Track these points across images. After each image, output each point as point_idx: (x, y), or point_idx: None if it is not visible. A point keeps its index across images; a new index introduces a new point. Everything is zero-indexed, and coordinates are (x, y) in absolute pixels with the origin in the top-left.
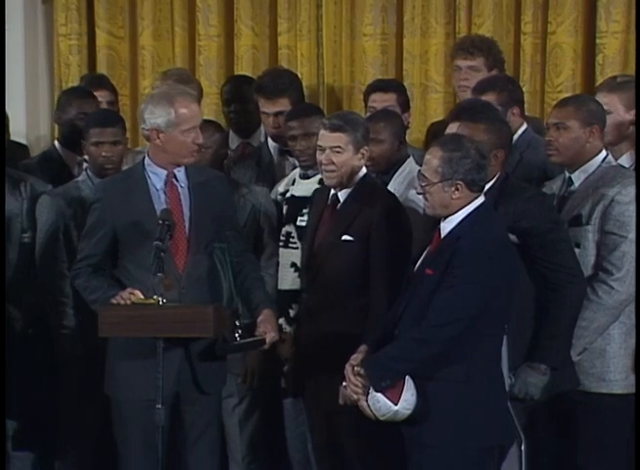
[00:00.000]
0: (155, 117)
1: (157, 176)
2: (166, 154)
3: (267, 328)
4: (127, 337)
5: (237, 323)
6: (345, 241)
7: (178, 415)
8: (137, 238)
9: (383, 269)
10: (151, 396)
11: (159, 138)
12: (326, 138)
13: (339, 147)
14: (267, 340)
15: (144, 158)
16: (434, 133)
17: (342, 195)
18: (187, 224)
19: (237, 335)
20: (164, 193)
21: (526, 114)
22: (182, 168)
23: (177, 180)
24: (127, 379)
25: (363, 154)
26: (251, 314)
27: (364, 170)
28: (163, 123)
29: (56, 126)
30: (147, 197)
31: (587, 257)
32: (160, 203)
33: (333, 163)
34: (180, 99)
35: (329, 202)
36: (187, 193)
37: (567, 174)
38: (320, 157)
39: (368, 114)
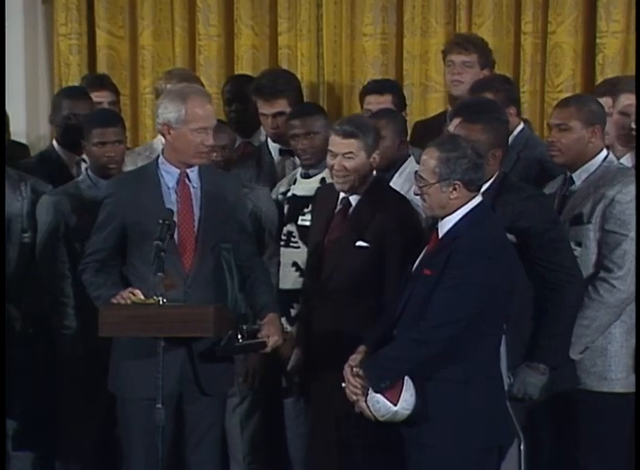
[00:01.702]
0: (167, 112)
1: (169, 175)
2: (176, 152)
3: (270, 331)
4: (127, 337)
5: (242, 326)
6: (359, 247)
7: (181, 415)
8: (145, 236)
9: (398, 274)
10: (154, 394)
11: (169, 134)
12: (338, 144)
13: (351, 153)
14: (270, 343)
15: (158, 156)
16: (422, 131)
17: (353, 199)
18: (196, 224)
19: (240, 337)
20: (176, 192)
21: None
22: (195, 169)
23: (190, 180)
24: (132, 377)
25: (375, 158)
26: (255, 317)
27: (374, 173)
28: (174, 119)
29: None
30: (158, 195)
31: (588, 255)
32: (170, 202)
33: (345, 168)
34: (194, 97)
35: (339, 205)
36: (199, 193)
37: (568, 174)
38: (331, 162)
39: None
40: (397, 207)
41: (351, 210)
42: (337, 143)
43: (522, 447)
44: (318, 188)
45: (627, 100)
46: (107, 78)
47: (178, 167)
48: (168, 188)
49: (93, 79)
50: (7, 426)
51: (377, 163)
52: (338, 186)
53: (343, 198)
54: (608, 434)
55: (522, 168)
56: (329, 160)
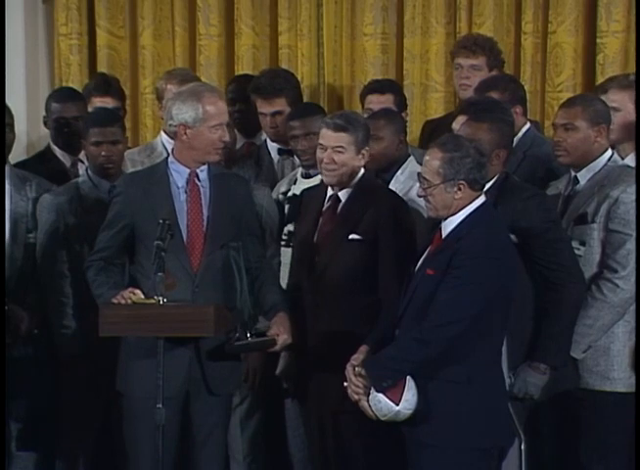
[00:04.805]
0: (182, 112)
1: (179, 174)
2: (193, 150)
3: (280, 330)
4: (128, 336)
5: (250, 324)
6: (352, 240)
7: (187, 414)
8: (154, 235)
9: (393, 268)
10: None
11: (186, 134)
12: (328, 137)
13: (341, 147)
14: (279, 341)
15: (168, 155)
16: (431, 130)
17: (342, 195)
18: (205, 223)
19: (249, 335)
20: (185, 192)
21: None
22: (205, 168)
23: (199, 180)
24: (139, 377)
25: (364, 154)
26: (258, 314)
27: (362, 170)
28: (191, 119)
29: None
30: (167, 194)
31: (592, 255)
32: (180, 201)
33: (334, 161)
34: (208, 95)
35: (327, 203)
36: (208, 193)
37: (572, 173)
38: (321, 155)
39: (365, 115)
40: (389, 201)
41: (341, 205)
42: (327, 136)
43: (522, 447)
44: (303, 191)
45: (612, 95)
46: (114, 83)
47: (188, 167)
48: (178, 187)
49: (100, 84)
50: (11, 426)
51: (366, 159)
52: (325, 179)
53: (332, 195)
54: (610, 433)
55: (528, 168)
56: (318, 153)
